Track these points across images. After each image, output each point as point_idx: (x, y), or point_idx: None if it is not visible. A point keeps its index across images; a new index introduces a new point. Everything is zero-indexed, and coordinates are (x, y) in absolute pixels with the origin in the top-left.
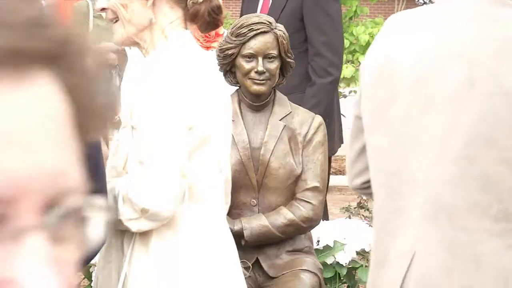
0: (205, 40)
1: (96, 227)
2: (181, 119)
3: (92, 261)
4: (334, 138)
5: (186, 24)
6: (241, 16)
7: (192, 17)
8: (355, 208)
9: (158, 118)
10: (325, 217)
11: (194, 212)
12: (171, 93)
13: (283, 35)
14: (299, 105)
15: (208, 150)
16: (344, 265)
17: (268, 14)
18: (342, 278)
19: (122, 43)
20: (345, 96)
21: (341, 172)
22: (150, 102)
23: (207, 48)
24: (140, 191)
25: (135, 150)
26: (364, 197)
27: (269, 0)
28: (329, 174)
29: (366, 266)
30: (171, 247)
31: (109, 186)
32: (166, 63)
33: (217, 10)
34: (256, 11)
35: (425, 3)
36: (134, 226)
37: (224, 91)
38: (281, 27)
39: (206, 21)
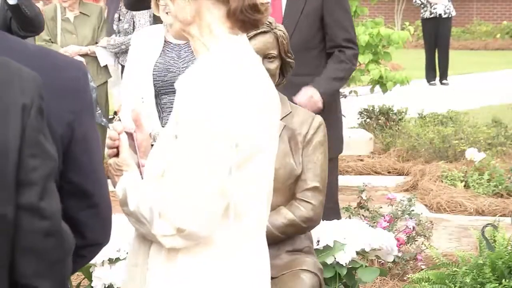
0: None
1: None
2: (227, 135)
3: (92, 261)
4: (340, 137)
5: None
6: None
7: (227, 14)
8: (355, 208)
9: (203, 132)
10: (337, 217)
11: (228, 229)
12: (219, 107)
13: (283, 35)
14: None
15: (253, 166)
16: (344, 265)
17: (284, 16)
18: (342, 278)
19: (175, 36)
20: (345, 96)
21: (341, 172)
22: (196, 114)
23: None
24: (177, 209)
25: (175, 163)
26: (364, 197)
27: (279, 1)
28: (337, 174)
29: (366, 266)
30: (198, 263)
31: (142, 194)
32: (216, 73)
33: (250, 9)
34: None
35: (422, 3)
36: (168, 242)
37: (274, 103)
38: (281, 27)
39: (240, 19)
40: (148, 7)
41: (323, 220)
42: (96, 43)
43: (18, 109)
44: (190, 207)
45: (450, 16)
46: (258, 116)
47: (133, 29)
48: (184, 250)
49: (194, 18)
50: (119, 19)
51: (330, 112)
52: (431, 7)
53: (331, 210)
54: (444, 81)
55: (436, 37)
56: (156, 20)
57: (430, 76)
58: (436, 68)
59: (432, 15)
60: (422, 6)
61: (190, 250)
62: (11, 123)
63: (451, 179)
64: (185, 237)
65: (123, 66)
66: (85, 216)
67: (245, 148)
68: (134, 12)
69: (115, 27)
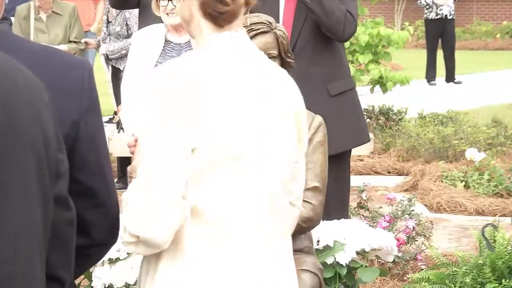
0: None
1: None
2: (181, 140)
3: None
4: (356, 128)
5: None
6: None
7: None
8: (355, 208)
9: (153, 136)
10: (345, 216)
11: (203, 234)
12: (174, 111)
13: (283, 35)
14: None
15: (225, 172)
16: (344, 265)
17: (295, 16)
18: (342, 278)
19: (190, 36)
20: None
21: None
22: (149, 118)
23: None
24: (132, 216)
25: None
26: (364, 197)
27: (293, 3)
28: (349, 171)
29: (366, 266)
30: (176, 270)
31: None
32: (178, 72)
33: (215, 1)
34: (278, 14)
35: (427, 4)
36: (132, 249)
37: (275, 106)
38: (281, 27)
39: (209, 13)
40: (135, 6)
41: (326, 219)
42: (69, 41)
43: (47, 106)
44: (142, 214)
45: (453, 17)
46: (234, 119)
47: (126, 32)
48: (163, 261)
49: (190, 17)
50: (108, 21)
51: (343, 102)
52: (437, 8)
53: (337, 212)
54: (456, 81)
55: (442, 38)
56: (142, 21)
57: (430, 76)
58: (436, 69)
59: (438, 16)
60: (427, 7)
61: (168, 261)
62: (47, 120)
63: (451, 179)
64: (144, 244)
65: (114, 68)
66: (91, 215)
67: (208, 153)
68: (127, 15)
69: (104, 29)
